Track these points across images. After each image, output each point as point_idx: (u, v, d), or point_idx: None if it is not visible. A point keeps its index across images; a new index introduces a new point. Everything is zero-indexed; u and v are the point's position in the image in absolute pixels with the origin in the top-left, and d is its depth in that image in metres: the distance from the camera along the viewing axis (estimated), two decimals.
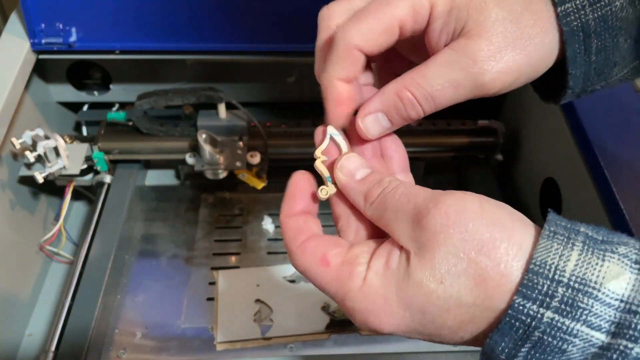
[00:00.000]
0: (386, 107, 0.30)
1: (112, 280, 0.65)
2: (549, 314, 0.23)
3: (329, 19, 0.31)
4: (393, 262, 0.26)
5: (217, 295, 0.66)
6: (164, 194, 0.79)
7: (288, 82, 0.76)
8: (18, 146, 0.63)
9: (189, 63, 0.74)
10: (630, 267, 0.23)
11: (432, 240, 0.25)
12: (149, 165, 0.81)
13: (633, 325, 0.22)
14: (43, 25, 0.65)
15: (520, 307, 0.23)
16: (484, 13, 0.29)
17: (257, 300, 0.66)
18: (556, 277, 0.23)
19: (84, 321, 0.59)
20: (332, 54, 0.30)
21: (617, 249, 0.23)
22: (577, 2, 0.29)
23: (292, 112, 0.78)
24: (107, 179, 0.73)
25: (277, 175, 0.77)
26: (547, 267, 0.23)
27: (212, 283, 0.68)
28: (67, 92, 0.76)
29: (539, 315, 0.23)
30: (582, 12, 0.29)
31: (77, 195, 0.77)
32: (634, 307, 0.22)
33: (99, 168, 0.72)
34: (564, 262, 0.23)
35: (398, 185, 0.28)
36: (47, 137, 0.64)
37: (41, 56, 0.67)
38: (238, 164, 0.70)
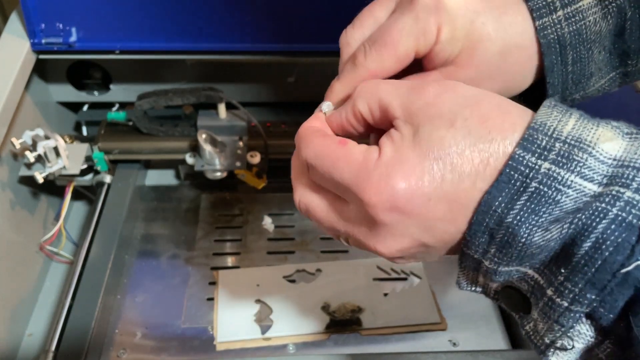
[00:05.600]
0: None
1: (112, 280, 0.65)
2: (546, 164, 0.24)
3: (348, 46, 0.34)
4: (397, 136, 0.27)
5: (217, 295, 0.66)
6: (164, 194, 0.79)
7: (288, 82, 0.76)
8: (18, 146, 0.63)
9: (189, 63, 0.74)
10: (622, 136, 0.25)
11: (435, 99, 0.27)
12: (149, 165, 0.81)
13: (625, 175, 0.23)
14: (43, 25, 0.65)
15: (520, 159, 0.24)
16: (478, 47, 0.32)
17: (257, 300, 0.66)
18: (554, 134, 0.25)
19: (84, 321, 0.59)
20: (346, 67, 0.33)
21: (609, 122, 0.25)
22: (554, 16, 0.32)
23: (292, 112, 0.78)
24: (107, 179, 0.73)
25: (277, 175, 0.77)
26: (547, 127, 0.25)
27: (212, 283, 0.68)
28: (67, 92, 0.76)
29: (536, 167, 0.24)
30: (559, 26, 0.33)
31: (77, 195, 0.77)
32: (625, 163, 0.24)
33: (99, 168, 0.72)
34: (562, 125, 0.25)
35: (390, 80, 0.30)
36: (47, 137, 0.64)
37: (41, 56, 0.67)
38: (238, 164, 0.70)
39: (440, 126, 0.26)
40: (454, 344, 0.62)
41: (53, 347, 0.57)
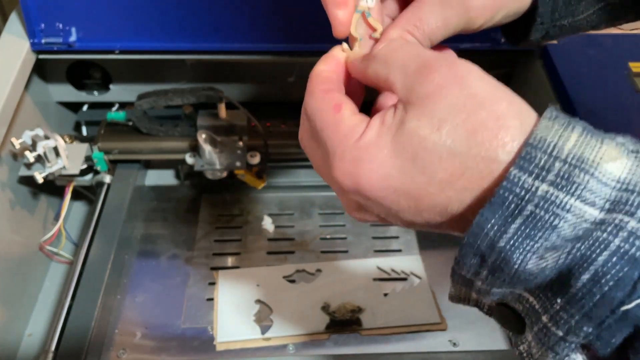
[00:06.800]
0: None
1: (112, 280, 0.65)
2: (544, 186, 0.22)
3: None
4: (388, 118, 0.26)
5: (217, 295, 0.66)
6: (164, 194, 0.79)
7: (288, 82, 0.76)
8: (18, 146, 0.62)
9: (189, 63, 0.74)
10: (628, 154, 0.23)
11: (436, 92, 0.25)
12: (149, 165, 0.81)
13: (630, 202, 0.22)
14: (43, 25, 0.65)
15: (516, 180, 0.23)
16: None
17: (257, 300, 0.66)
18: (554, 153, 0.23)
19: (84, 321, 0.59)
20: None
21: (615, 138, 0.24)
22: None
23: (292, 112, 0.78)
24: (107, 179, 0.73)
25: (277, 175, 0.77)
26: (547, 144, 0.23)
27: (212, 283, 0.68)
28: (67, 92, 0.76)
29: (533, 189, 0.22)
30: None
31: (77, 195, 0.77)
32: (630, 187, 0.22)
33: (98, 168, 0.72)
34: (563, 141, 0.23)
35: (409, 42, 0.29)
36: (47, 137, 0.64)
37: (41, 56, 0.67)
38: (238, 164, 0.70)
39: (427, 126, 0.25)
40: (454, 344, 0.62)
41: (53, 347, 0.57)
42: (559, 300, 0.23)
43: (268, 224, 0.75)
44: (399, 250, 0.72)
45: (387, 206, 0.27)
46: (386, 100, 0.33)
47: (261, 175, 0.72)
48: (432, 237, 0.72)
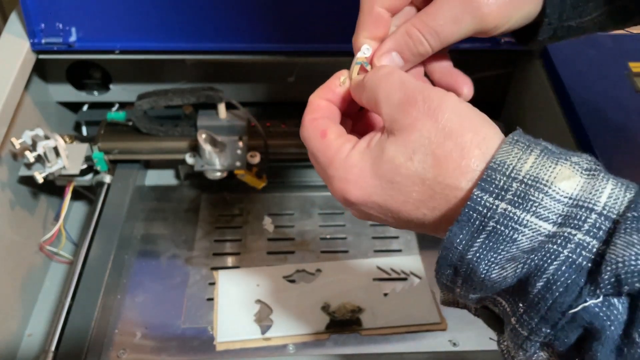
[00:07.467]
0: (398, 46, 0.34)
1: (112, 280, 0.65)
2: (503, 205, 0.25)
3: None
4: (374, 142, 0.30)
5: (217, 295, 0.66)
6: (164, 194, 0.79)
7: (288, 82, 0.76)
8: (18, 146, 0.62)
9: (189, 63, 0.74)
10: (581, 173, 0.25)
11: (411, 125, 0.28)
12: (149, 165, 0.81)
13: (578, 216, 0.24)
14: (43, 25, 0.65)
15: (478, 199, 0.26)
16: None
17: (257, 300, 0.66)
18: (512, 174, 0.25)
19: (84, 321, 0.59)
20: (359, 15, 0.34)
21: (570, 157, 0.26)
22: None
23: (292, 112, 0.78)
24: (107, 179, 0.73)
25: (277, 175, 0.77)
26: (506, 166, 0.26)
27: (212, 283, 0.68)
28: (67, 92, 0.76)
29: (494, 207, 0.25)
30: None
31: (77, 195, 0.77)
32: (580, 203, 0.24)
33: (98, 168, 0.72)
34: (521, 164, 0.26)
35: (392, 72, 0.31)
36: (47, 137, 0.64)
37: (41, 56, 0.67)
38: (238, 164, 0.70)
39: (403, 154, 0.28)
40: (454, 344, 0.62)
41: (53, 347, 0.57)
42: (521, 305, 0.25)
43: (268, 224, 0.75)
44: (399, 250, 0.72)
45: (377, 216, 0.31)
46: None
47: (261, 175, 0.72)
48: (432, 237, 0.72)
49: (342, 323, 0.63)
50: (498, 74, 0.75)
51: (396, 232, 0.74)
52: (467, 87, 0.35)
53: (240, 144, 0.72)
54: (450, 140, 0.27)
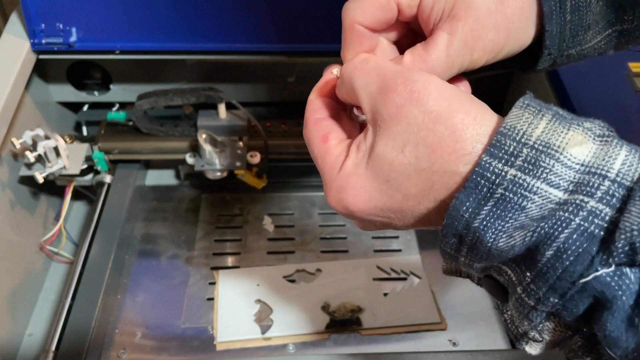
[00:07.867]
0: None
1: (112, 280, 0.65)
2: (512, 171, 0.24)
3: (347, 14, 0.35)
4: (362, 145, 0.29)
5: (217, 295, 0.66)
6: (164, 194, 0.79)
7: (288, 82, 0.76)
8: (18, 146, 0.63)
9: (189, 63, 0.74)
10: (594, 138, 0.25)
11: (396, 114, 0.27)
12: (149, 165, 0.81)
13: (590, 183, 0.23)
14: (43, 25, 0.65)
15: (487, 165, 0.25)
16: None
17: (257, 300, 0.66)
18: (523, 139, 0.24)
19: (84, 321, 0.59)
20: (342, 32, 0.34)
21: (582, 123, 0.25)
22: None
23: (292, 112, 0.78)
24: (107, 179, 0.73)
25: (277, 175, 0.77)
26: (516, 131, 0.25)
27: (212, 283, 0.68)
28: (67, 92, 0.76)
29: (502, 173, 0.24)
30: None
31: (77, 195, 0.77)
32: (592, 170, 0.24)
33: (99, 168, 0.72)
34: (532, 128, 0.25)
35: (368, 59, 0.30)
36: (47, 137, 0.64)
37: (41, 56, 0.67)
38: (238, 164, 0.70)
39: (393, 149, 0.27)
40: (454, 344, 0.62)
41: (53, 347, 0.57)
42: (528, 274, 0.24)
43: (268, 224, 0.75)
44: (399, 250, 0.72)
45: (379, 221, 0.29)
46: None
47: (261, 175, 0.72)
48: (432, 237, 0.72)
49: (342, 323, 0.63)
50: (498, 74, 0.75)
51: (396, 232, 0.74)
52: (463, 87, 0.35)
53: (240, 144, 0.72)
54: (440, 124, 0.26)
